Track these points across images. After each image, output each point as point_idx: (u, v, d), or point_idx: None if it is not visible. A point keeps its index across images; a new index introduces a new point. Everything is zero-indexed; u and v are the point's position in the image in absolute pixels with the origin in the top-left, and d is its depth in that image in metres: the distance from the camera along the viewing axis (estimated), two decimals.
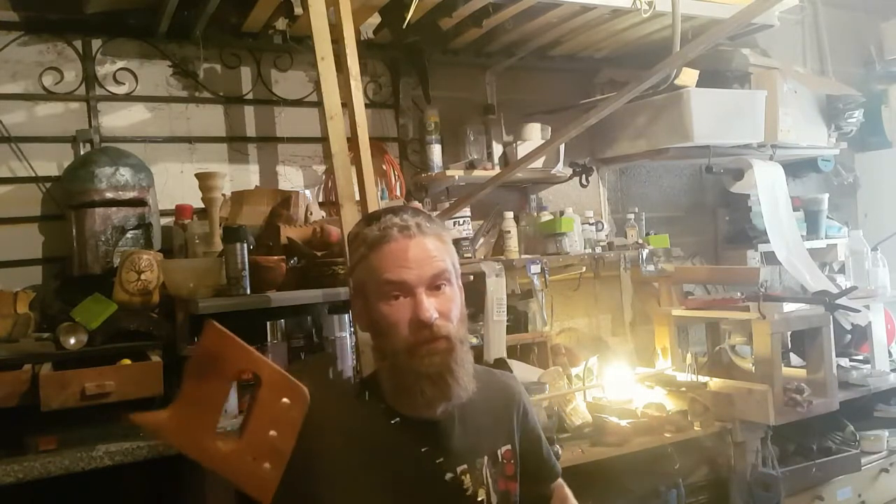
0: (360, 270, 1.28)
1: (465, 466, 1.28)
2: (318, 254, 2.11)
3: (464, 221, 2.49)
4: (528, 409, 1.43)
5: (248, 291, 1.93)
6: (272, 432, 1.05)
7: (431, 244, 1.25)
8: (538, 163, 2.58)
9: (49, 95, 2.20)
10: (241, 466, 1.03)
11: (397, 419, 1.27)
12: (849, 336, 3.19)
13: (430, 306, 1.20)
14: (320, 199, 2.52)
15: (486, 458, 1.31)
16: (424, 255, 1.23)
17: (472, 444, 1.31)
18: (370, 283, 1.25)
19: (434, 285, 1.23)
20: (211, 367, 1.01)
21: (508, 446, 1.35)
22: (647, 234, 2.87)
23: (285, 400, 1.06)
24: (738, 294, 2.80)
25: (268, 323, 2.01)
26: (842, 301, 2.56)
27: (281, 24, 2.36)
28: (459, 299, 1.28)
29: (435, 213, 2.45)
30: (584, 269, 2.75)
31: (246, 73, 2.48)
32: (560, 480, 1.50)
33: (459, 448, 1.28)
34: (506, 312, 2.37)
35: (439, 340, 1.21)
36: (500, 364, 2.37)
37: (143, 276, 1.91)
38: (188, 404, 1.02)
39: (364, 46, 2.47)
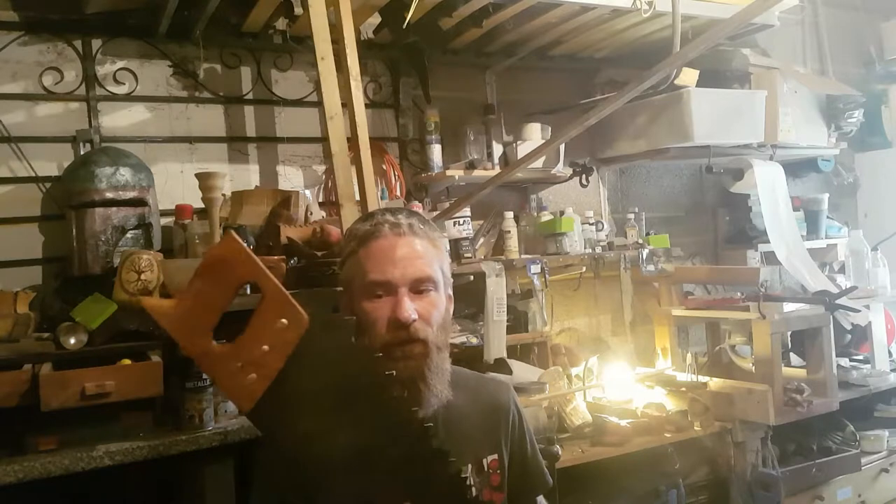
0: (348, 265, 1.28)
1: None
2: (318, 254, 2.11)
3: (464, 221, 2.49)
4: (520, 419, 1.40)
5: (248, 291, 1.92)
6: (265, 347, 1.08)
7: (421, 246, 1.24)
8: (538, 163, 2.58)
9: (49, 95, 2.20)
10: (226, 369, 1.07)
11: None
12: (849, 336, 3.19)
13: (409, 307, 1.19)
14: (320, 199, 2.52)
15: (470, 466, 1.29)
16: (412, 256, 1.22)
17: (456, 451, 1.27)
18: (356, 278, 1.24)
19: (418, 288, 1.22)
20: (219, 271, 1.06)
21: (495, 456, 1.32)
22: (647, 234, 2.87)
23: (283, 321, 1.09)
24: (738, 294, 2.81)
25: None
26: (842, 301, 2.56)
27: (281, 24, 2.36)
28: (444, 306, 1.26)
29: (435, 213, 2.46)
30: (584, 269, 2.75)
31: (246, 73, 2.48)
32: (541, 498, 1.44)
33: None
34: (506, 312, 2.37)
35: (415, 343, 1.20)
36: (501, 364, 2.37)
37: (143, 276, 1.91)
38: (192, 301, 1.06)
39: (364, 46, 2.47)
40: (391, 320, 1.19)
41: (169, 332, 1.07)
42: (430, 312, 1.23)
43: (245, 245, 1.07)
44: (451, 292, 1.30)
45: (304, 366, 1.16)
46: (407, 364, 1.19)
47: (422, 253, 1.24)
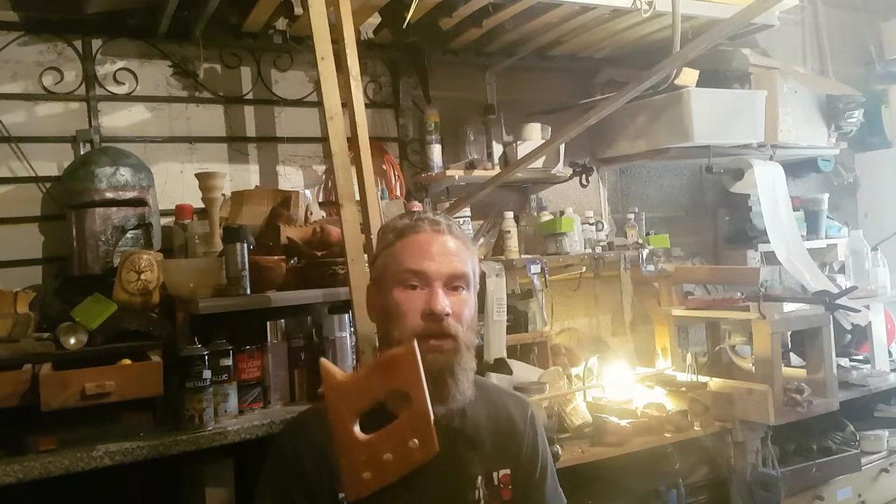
0: (383, 257, 1.30)
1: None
2: (318, 254, 2.11)
3: (464, 221, 2.49)
4: (534, 441, 1.38)
5: (248, 291, 1.93)
6: (388, 455, 1.14)
7: (456, 245, 1.27)
8: (538, 163, 2.58)
9: (49, 95, 2.20)
10: (351, 456, 1.14)
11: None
12: (849, 336, 3.19)
13: (444, 301, 1.22)
14: (320, 199, 2.52)
15: (480, 477, 1.29)
16: (448, 252, 1.25)
17: (469, 460, 1.29)
18: (390, 270, 1.26)
19: (452, 285, 1.25)
20: (387, 370, 1.14)
21: (508, 471, 1.32)
22: (647, 234, 2.87)
23: (415, 440, 1.14)
24: (738, 294, 2.80)
25: (268, 323, 2.01)
26: (842, 301, 2.55)
27: (281, 24, 2.36)
28: (474, 307, 1.29)
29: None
30: (584, 269, 2.75)
31: (246, 73, 2.48)
32: None
33: (453, 462, 1.26)
34: (506, 312, 2.37)
35: (447, 338, 1.21)
36: (501, 364, 2.37)
37: (143, 276, 1.91)
38: (356, 384, 1.15)
39: (364, 46, 2.47)
40: (425, 312, 1.21)
41: (327, 400, 1.15)
42: (462, 310, 1.24)
43: (419, 360, 1.13)
44: (476, 299, 1.32)
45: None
46: (436, 357, 1.20)
47: (457, 252, 1.26)
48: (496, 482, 1.31)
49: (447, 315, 1.21)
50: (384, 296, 1.26)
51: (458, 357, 1.22)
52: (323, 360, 1.16)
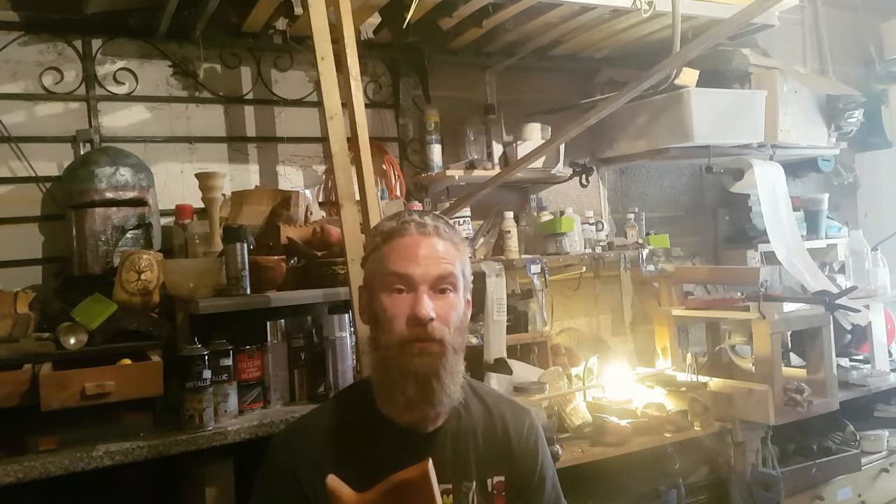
0: (371, 260, 1.29)
1: (449, 486, 1.26)
2: (318, 254, 2.11)
3: (464, 221, 2.49)
4: (535, 449, 1.37)
5: (248, 291, 1.93)
6: None
7: (444, 247, 1.26)
8: (538, 163, 2.58)
9: (49, 95, 2.20)
10: None
11: (388, 426, 1.26)
12: (849, 336, 3.19)
13: (428, 305, 1.21)
14: (320, 199, 2.52)
15: (474, 483, 1.28)
16: (434, 255, 1.24)
17: (462, 465, 1.28)
18: (377, 273, 1.26)
19: (438, 287, 1.24)
20: (400, 495, 1.08)
21: (502, 478, 1.31)
22: (647, 234, 2.87)
23: None
24: (738, 294, 2.80)
25: (268, 323, 2.01)
26: (842, 301, 2.56)
27: (281, 24, 2.36)
28: (462, 309, 1.28)
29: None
30: (584, 269, 2.75)
31: (246, 73, 2.48)
32: None
33: (447, 466, 1.26)
34: (506, 312, 2.37)
35: (432, 342, 1.21)
36: (501, 364, 2.37)
37: (143, 276, 1.91)
38: None
39: (364, 46, 2.47)
40: (410, 317, 1.20)
41: None
42: (449, 313, 1.23)
43: (435, 484, 1.08)
44: (469, 297, 1.31)
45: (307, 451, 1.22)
46: (423, 360, 1.20)
47: (444, 254, 1.25)
48: (490, 489, 1.30)
49: (432, 320, 1.20)
50: (372, 300, 1.26)
51: (444, 361, 1.21)
52: (330, 478, 1.11)
